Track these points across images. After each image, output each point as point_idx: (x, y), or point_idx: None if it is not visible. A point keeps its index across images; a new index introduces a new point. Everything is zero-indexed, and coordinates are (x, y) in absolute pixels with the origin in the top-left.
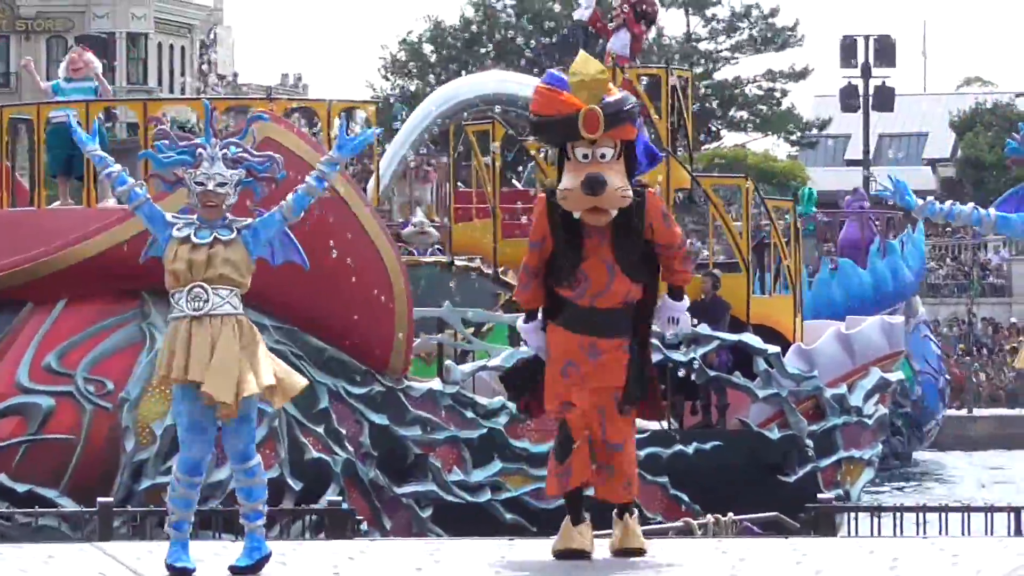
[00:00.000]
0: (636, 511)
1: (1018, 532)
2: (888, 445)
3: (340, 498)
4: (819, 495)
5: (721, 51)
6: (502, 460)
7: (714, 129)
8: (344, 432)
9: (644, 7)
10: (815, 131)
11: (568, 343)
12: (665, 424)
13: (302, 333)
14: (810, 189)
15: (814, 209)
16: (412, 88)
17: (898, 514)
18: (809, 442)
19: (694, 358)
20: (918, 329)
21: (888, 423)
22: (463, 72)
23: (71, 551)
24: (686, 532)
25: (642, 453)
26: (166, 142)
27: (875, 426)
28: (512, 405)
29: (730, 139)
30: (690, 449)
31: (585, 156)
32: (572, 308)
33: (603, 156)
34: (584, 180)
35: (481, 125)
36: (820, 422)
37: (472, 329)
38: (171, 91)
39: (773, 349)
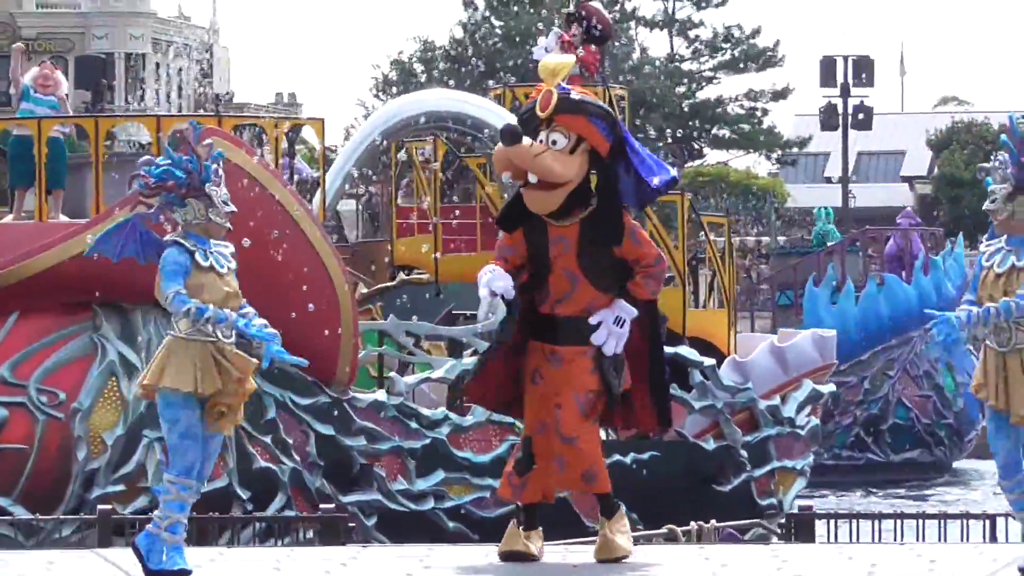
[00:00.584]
0: (621, 514)
1: (993, 539)
2: (931, 454)
3: (332, 505)
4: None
5: (704, 71)
6: (445, 470)
7: (697, 147)
8: (291, 442)
9: (595, 29)
10: (795, 149)
11: (533, 351)
12: (605, 435)
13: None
14: (827, 209)
15: (832, 227)
16: None
17: (876, 521)
18: (743, 452)
19: None
20: (959, 342)
21: (819, 433)
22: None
23: (71, 557)
24: (671, 539)
25: None
26: (186, 158)
27: (807, 436)
28: (454, 416)
29: (713, 156)
30: (628, 459)
31: (540, 141)
32: (535, 316)
33: (554, 142)
34: (503, 127)
35: (423, 142)
36: (754, 433)
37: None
38: (168, 110)
39: (708, 361)
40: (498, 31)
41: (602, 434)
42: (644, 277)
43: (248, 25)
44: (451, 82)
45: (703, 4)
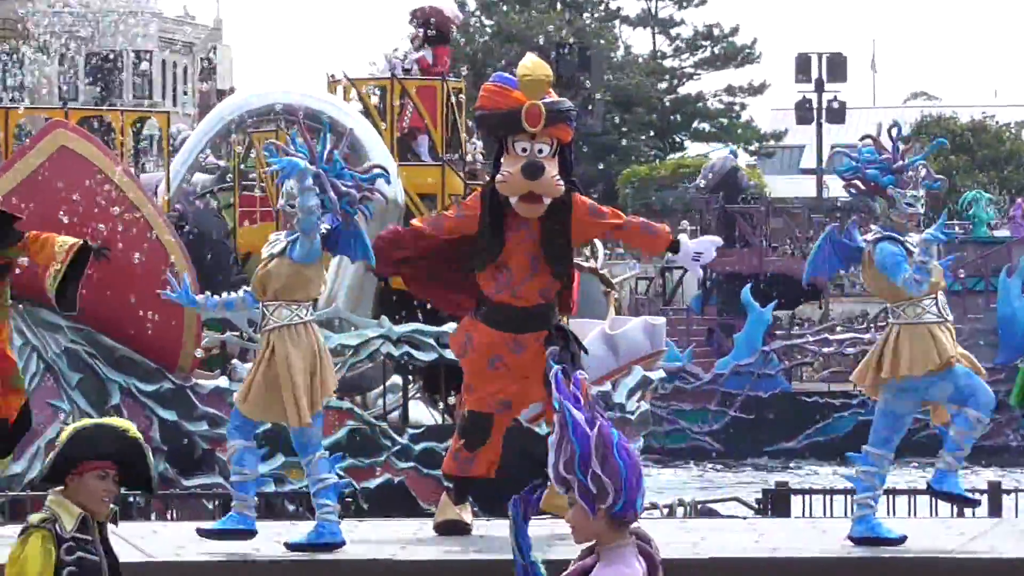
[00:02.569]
0: None
1: (961, 514)
2: (1021, 439)
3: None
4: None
5: (685, 68)
6: (285, 454)
7: (678, 140)
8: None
9: (434, 29)
10: (772, 142)
11: (492, 338)
12: (441, 419)
13: (95, 333)
14: (981, 193)
15: (990, 212)
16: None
17: (849, 496)
18: None
19: None
20: None
21: (649, 420)
22: None
23: None
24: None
25: (417, 448)
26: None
27: (638, 422)
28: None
29: (693, 149)
30: None
31: (524, 150)
32: (493, 305)
33: (540, 151)
34: (524, 165)
35: (267, 132)
36: None
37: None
38: (174, 105)
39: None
40: (488, 29)
41: (434, 418)
42: (644, 227)
43: (250, 23)
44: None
45: (684, 3)
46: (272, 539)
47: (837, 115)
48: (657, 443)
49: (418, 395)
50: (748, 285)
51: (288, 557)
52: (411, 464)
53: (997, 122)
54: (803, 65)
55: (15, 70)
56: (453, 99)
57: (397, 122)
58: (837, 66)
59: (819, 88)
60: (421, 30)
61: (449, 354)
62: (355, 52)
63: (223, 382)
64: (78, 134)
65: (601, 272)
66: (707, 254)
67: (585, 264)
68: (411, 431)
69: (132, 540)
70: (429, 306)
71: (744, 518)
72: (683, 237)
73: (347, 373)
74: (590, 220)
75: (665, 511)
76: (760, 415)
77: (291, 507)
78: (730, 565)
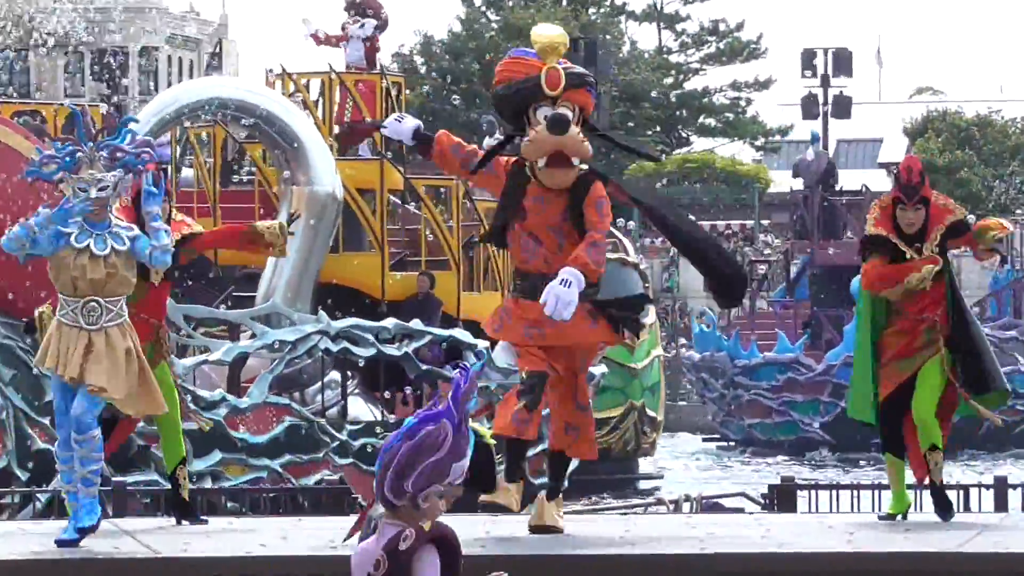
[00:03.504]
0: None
1: (967, 508)
2: None
3: (336, 476)
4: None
5: (691, 63)
6: (222, 451)
7: (684, 135)
8: None
9: (372, 18)
10: (778, 137)
11: (528, 310)
12: (380, 415)
13: None
14: None
15: None
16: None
17: (855, 491)
18: None
19: (407, 352)
20: None
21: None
22: (451, 84)
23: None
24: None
25: (356, 444)
26: (47, 151)
27: None
28: (232, 397)
29: (699, 144)
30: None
31: (546, 116)
32: (527, 277)
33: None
34: (549, 117)
35: (204, 127)
36: None
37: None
38: None
39: (483, 344)
40: (494, 24)
41: (373, 414)
42: (588, 245)
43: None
44: (446, 77)
45: None
46: (279, 536)
47: (843, 110)
48: (765, 435)
49: (357, 391)
50: (857, 277)
51: (296, 552)
52: (350, 460)
53: (1003, 117)
54: (809, 60)
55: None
56: (393, 93)
57: (336, 116)
58: (843, 61)
59: (825, 83)
60: (359, 20)
61: (388, 349)
62: None
63: None
64: (8, 126)
65: (641, 268)
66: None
67: (629, 259)
68: (350, 427)
69: (137, 535)
70: (368, 300)
71: (750, 513)
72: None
73: (285, 369)
74: (591, 213)
75: (671, 506)
76: None
77: (228, 504)
78: (736, 560)
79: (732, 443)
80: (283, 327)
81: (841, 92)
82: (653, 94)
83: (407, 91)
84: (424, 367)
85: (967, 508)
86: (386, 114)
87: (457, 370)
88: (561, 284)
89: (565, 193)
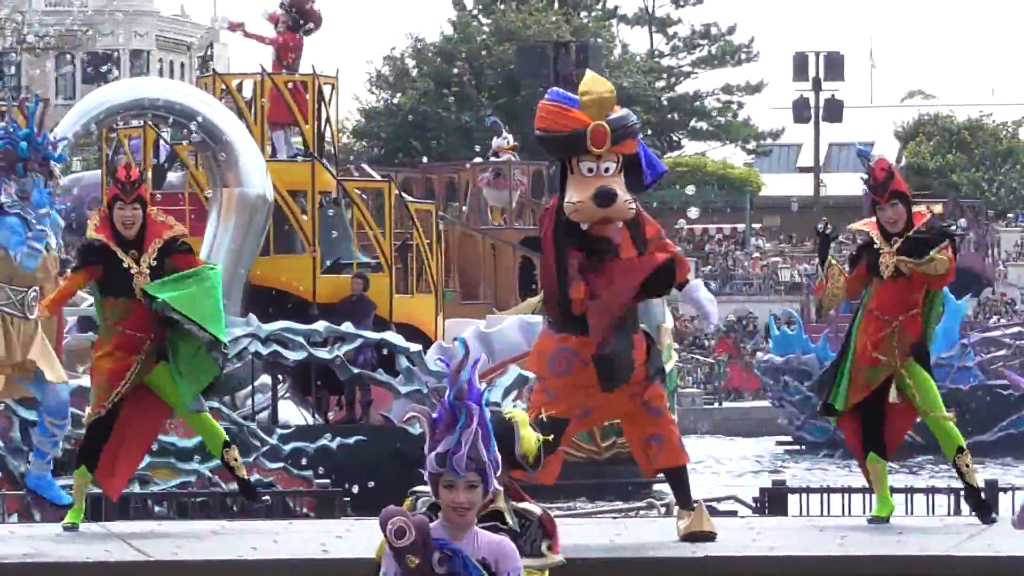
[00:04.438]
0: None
1: (958, 511)
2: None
3: (327, 480)
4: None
5: (682, 66)
6: (150, 455)
7: (676, 139)
8: None
9: (299, 16)
10: (769, 140)
11: (583, 347)
12: (312, 419)
13: None
14: None
15: None
16: (396, 101)
17: (846, 495)
18: None
19: (339, 355)
20: None
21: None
22: (441, 87)
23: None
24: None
25: (287, 447)
26: None
27: None
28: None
29: (691, 148)
30: (334, 444)
31: (590, 170)
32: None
33: (607, 170)
34: (595, 192)
35: (134, 129)
36: None
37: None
38: None
39: (415, 347)
40: (486, 28)
41: (304, 418)
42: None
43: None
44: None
45: (681, 2)
46: (270, 539)
47: (835, 114)
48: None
49: (287, 394)
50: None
51: (287, 556)
52: (281, 464)
53: (994, 120)
54: (801, 64)
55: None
56: (325, 94)
57: (268, 117)
58: (835, 65)
59: (816, 87)
60: (284, 12)
61: (319, 352)
62: (349, 49)
63: (84, 381)
64: None
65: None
66: (713, 308)
67: None
68: (280, 431)
69: (129, 539)
70: (291, 304)
71: (742, 517)
72: (698, 282)
73: None
74: (656, 238)
75: (663, 509)
76: (960, 408)
77: (156, 508)
78: (727, 564)
79: (802, 447)
80: None
81: (833, 96)
82: (645, 97)
83: (400, 95)
84: (355, 370)
85: (958, 511)
86: (317, 116)
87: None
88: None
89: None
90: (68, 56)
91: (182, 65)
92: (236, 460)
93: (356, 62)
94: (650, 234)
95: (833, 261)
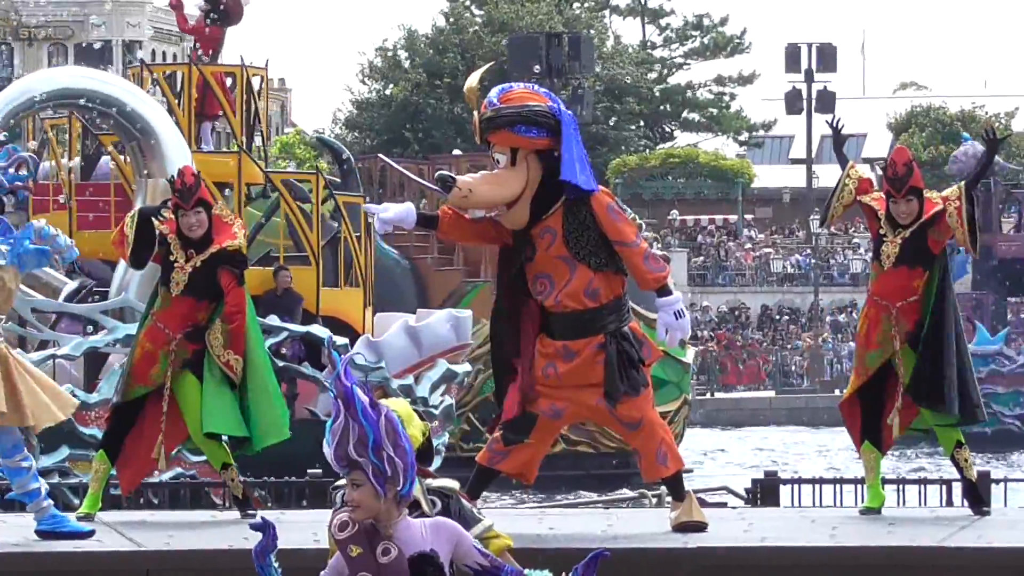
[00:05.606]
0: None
1: (949, 503)
2: None
3: (320, 471)
4: None
5: (675, 58)
6: (70, 447)
7: (668, 130)
8: None
9: (223, 10)
10: (761, 132)
11: (545, 347)
12: None
13: None
14: None
15: None
16: (388, 92)
17: (838, 486)
18: None
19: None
20: None
21: (453, 413)
22: (433, 78)
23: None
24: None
25: None
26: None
27: (441, 416)
28: (81, 393)
29: (683, 139)
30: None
31: (497, 161)
32: (545, 313)
33: (497, 161)
34: (437, 179)
35: (58, 120)
36: None
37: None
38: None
39: (341, 340)
40: (478, 19)
41: None
42: (644, 259)
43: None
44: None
45: None
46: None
47: (827, 105)
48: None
49: None
50: None
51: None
52: (203, 458)
53: (986, 112)
54: (793, 55)
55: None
56: (255, 86)
57: (196, 108)
58: (827, 56)
59: (809, 78)
60: (207, 4)
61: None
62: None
63: None
64: None
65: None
66: (684, 324)
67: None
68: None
69: (121, 529)
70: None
71: (734, 507)
72: (665, 299)
73: None
74: (608, 218)
75: (654, 500)
76: None
77: (75, 500)
78: (719, 554)
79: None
80: (136, 322)
81: (825, 87)
82: (637, 88)
83: (392, 86)
84: (281, 364)
85: (949, 503)
86: (245, 107)
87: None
88: (675, 317)
89: (559, 218)
90: (62, 47)
91: (175, 56)
92: (233, 480)
93: (349, 53)
94: (612, 232)
95: (855, 167)
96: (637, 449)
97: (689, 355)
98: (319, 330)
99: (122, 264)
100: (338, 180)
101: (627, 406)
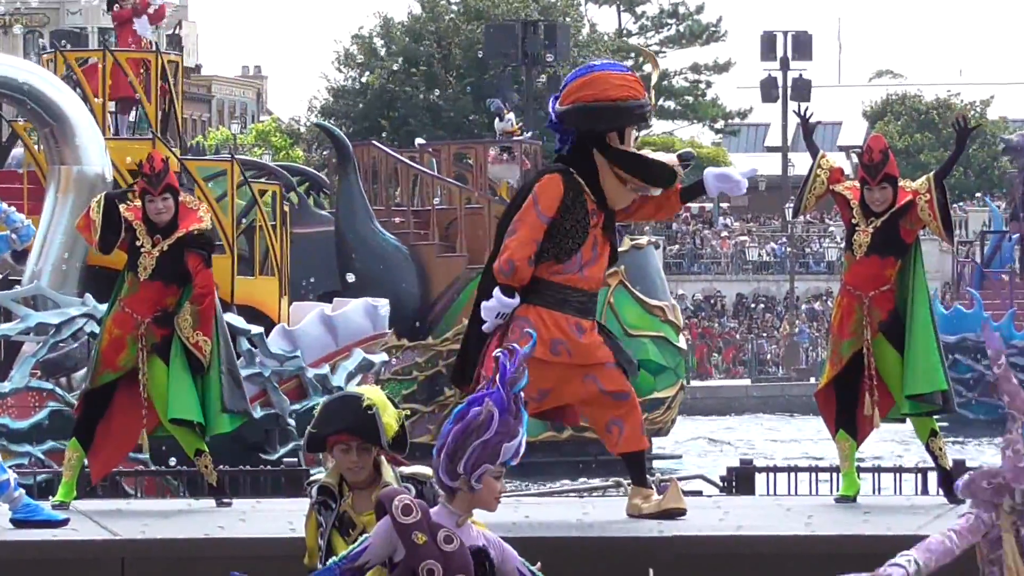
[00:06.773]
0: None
1: (924, 491)
2: None
3: (296, 459)
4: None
5: (650, 46)
6: None
7: None
8: None
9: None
10: (737, 120)
11: (557, 322)
12: None
13: None
14: None
15: None
16: (364, 80)
17: (813, 473)
18: (291, 421)
19: None
20: None
21: None
22: (409, 66)
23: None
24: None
25: None
26: None
27: None
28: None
29: (659, 127)
30: None
31: (636, 139)
32: (559, 289)
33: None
34: (681, 156)
35: None
36: (302, 401)
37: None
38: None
39: (256, 329)
40: (454, 6)
41: None
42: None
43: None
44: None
45: None
46: (237, 518)
47: (802, 93)
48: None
49: None
50: None
51: (255, 535)
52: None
53: (962, 100)
54: (768, 43)
55: None
56: (170, 73)
57: (110, 95)
58: (802, 44)
59: (784, 66)
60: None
61: None
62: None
63: None
64: None
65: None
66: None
67: (643, 241)
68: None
69: (96, 517)
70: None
71: (709, 496)
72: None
73: (50, 353)
74: (614, 188)
75: (629, 488)
76: None
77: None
78: (694, 543)
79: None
80: (48, 310)
81: (800, 75)
82: None
83: (368, 73)
84: None
85: (925, 491)
86: (162, 95)
87: (504, 352)
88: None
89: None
90: (37, 33)
91: (151, 44)
92: (207, 467)
93: (324, 41)
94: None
95: (826, 156)
96: (621, 419)
97: (682, 341)
98: (234, 319)
99: (34, 252)
100: (312, 170)
101: (620, 379)
